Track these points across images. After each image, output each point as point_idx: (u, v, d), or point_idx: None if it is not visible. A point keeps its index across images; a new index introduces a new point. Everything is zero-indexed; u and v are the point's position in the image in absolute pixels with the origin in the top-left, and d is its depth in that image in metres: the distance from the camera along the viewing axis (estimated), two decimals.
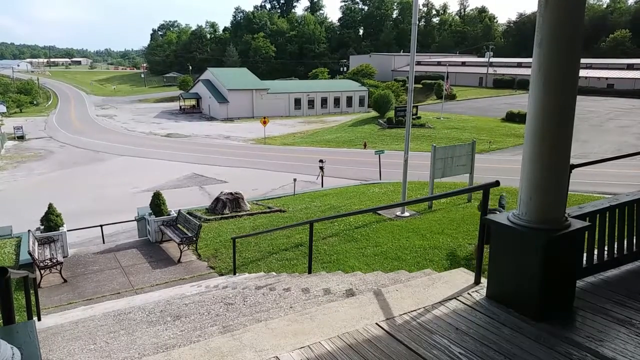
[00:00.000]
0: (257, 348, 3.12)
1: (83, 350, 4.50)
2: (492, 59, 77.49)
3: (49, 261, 10.36)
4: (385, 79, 74.17)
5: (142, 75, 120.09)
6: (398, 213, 12.99)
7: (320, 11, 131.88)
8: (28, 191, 24.87)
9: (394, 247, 10.22)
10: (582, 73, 52.65)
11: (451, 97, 59.43)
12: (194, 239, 12.08)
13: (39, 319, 6.73)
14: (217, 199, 15.62)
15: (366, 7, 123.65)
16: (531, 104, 3.19)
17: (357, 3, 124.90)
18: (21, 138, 44.48)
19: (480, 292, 3.75)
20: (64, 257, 11.25)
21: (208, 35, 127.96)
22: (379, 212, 13.06)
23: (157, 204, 13.57)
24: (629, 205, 4.07)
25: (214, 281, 9.18)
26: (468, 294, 3.75)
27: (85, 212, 19.13)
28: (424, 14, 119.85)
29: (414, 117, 39.77)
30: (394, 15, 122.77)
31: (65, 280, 10.42)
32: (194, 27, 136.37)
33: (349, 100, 66.42)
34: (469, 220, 11.47)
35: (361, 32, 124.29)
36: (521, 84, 65.05)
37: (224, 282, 8.26)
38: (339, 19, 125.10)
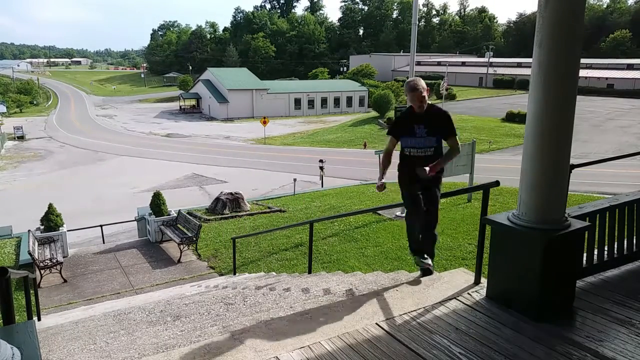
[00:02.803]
0: (257, 348, 3.12)
1: (83, 350, 4.49)
2: (492, 59, 77.53)
3: (49, 261, 10.36)
4: (385, 79, 74.16)
5: (142, 75, 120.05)
6: (398, 213, 12.99)
7: (320, 11, 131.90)
8: (28, 191, 24.87)
9: (394, 247, 10.21)
10: (582, 73, 52.61)
11: (451, 97, 59.44)
12: (194, 239, 12.08)
13: (39, 319, 6.73)
14: (217, 199, 15.62)
15: (366, 7, 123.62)
16: (531, 104, 3.19)
17: (357, 3, 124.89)
18: (21, 138, 44.49)
19: (480, 292, 3.75)
20: (64, 257, 11.25)
21: (208, 35, 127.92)
22: (379, 212, 13.05)
23: (157, 204, 13.57)
24: (629, 205, 4.07)
25: (214, 281, 9.18)
26: (468, 294, 3.75)
27: (85, 212, 19.13)
28: (424, 14, 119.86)
29: None
30: (394, 15, 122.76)
31: (65, 280, 10.42)
32: (194, 27, 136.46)
33: (349, 100, 66.43)
34: (469, 220, 11.46)
35: (361, 32, 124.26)
36: (521, 84, 65.05)
37: (224, 282, 8.26)
38: (339, 19, 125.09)
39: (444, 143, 4.25)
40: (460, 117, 46.51)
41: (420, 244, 4.41)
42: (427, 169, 3.95)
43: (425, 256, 4.38)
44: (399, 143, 4.24)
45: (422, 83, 4.05)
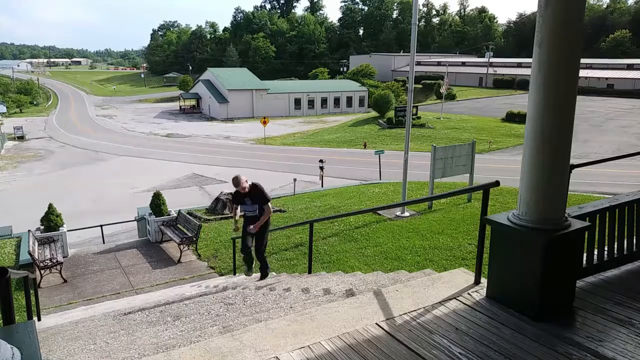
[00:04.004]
0: (257, 348, 3.12)
1: (83, 350, 4.50)
2: (492, 59, 77.53)
3: (49, 261, 10.36)
4: (385, 79, 74.17)
5: (142, 76, 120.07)
6: (398, 213, 12.99)
7: (320, 11, 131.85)
8: (28, 191, 24.86)
9: (394, 247, 10.22)
10: (582, 73, 52.66)
11: (451, 97, 59.45)
12: (194, 239, 12.08)
13: (39, 319, 6.73)
14: (217, 199, 15.62)
15: (366, 7, 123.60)
16: (531, 104, 3.19)
17: (357, 3, 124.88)
18: (21, 138, 44.49)
19: (480, 292, 3.75)
20: (64, 257, 11.25)
21: (208, 36, 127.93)
22: (379, 212, 13.05)
23: (157, 204, 13.57)
24: (629, 205, 4.07)
25: (214, 281, 9.18)
26: (468, 294, 3.75)
27: (85, 212, 19.13)
28: (424, 14, 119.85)
29: (414, 117, 39.77)
30: (394, 15, 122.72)
31: (65, 280, 10.42)
32: (194, 27, 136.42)
33: (349, 101, 66.42)
34: (469, 220, 11.46)
35: (361, 32, 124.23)
36: (521, 84, 65.05)
37: (224, 282, 8.27)
38: (339, 19, 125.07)
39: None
40: (460, 117, 46.51)
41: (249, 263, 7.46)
42: (252, 227, 6.83)
43: (247, 269, 7.50)
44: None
45: (242, 178, 6.72)
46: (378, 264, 9.21)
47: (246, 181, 6.76)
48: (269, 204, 7.03)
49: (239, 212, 7.18)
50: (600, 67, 65.04)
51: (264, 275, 7.43)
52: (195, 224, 12.36)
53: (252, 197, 6.85)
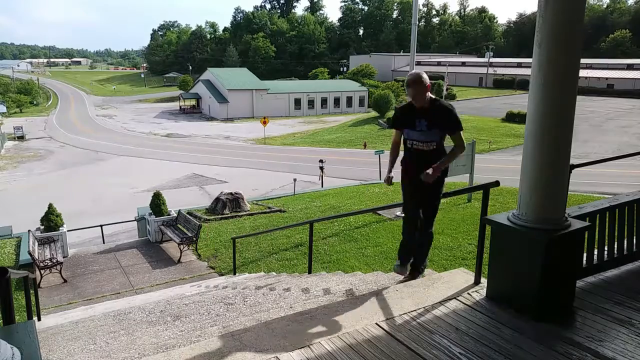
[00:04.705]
0: (257, 348, 3.12)
1: (83, 350, 4.50)
2: (492, 59, 77.57)
3: (49, 261, 10.36)
4: (385, 79, 74.15)
5: (142, 76, 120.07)
6: (398, 213, 12.99)
7: (320, 11, 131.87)
8: (28, 191, 24.86)
9: (394, 247, 10.19)
10: (582, 73, 52.61)
11: (451, 97, 59.45)
12: (194, 239, 12.08)
13: (39, 319, 6.73)
14: (217, 199, 15.62)
15: (366, 7, 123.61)
16: (531, 104, 3.19)
17: (357, 3, 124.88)
18: (21, 138, 44.47)
19: (480, 292, 3.75)
20: (64, 257, 11.25)
21: (208, 36, 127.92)
22: (379, 212, 13.05)
23: (157, 204, 13.57)
24: (629, 205, 4.07)
25: (214, 281, 9.18)
26: (468, 294, 3.75)
27: (85, 212, 19.13)
28: (424, 14, 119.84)
29: None
30: (394, 15, 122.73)
31: (65, 280, 10.42)
32: (194, 27, 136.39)
33: (349, 101, 66.39)
34: (469, 220, 11.45)
35: (361, 32, 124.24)
36: (521, 84, 65.10)
37: (224, 282, 8.26)
38: (339, 19, 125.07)
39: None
40: (460, 117, 46.50)
41: (406, 252, 4.55)
42: (430, 171, 3.92)
43: (399, 262, 4.53)
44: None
45: (419, 78, 3.97)
46: (378, 264, 9.21)
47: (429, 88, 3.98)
48: (461, 133, 4.16)
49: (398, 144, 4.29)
50: (600, 67, 65.08)
51: (417, 270, 4.48)
52: (195, 224, 12.37)
53: (429, 118, 4.02)
